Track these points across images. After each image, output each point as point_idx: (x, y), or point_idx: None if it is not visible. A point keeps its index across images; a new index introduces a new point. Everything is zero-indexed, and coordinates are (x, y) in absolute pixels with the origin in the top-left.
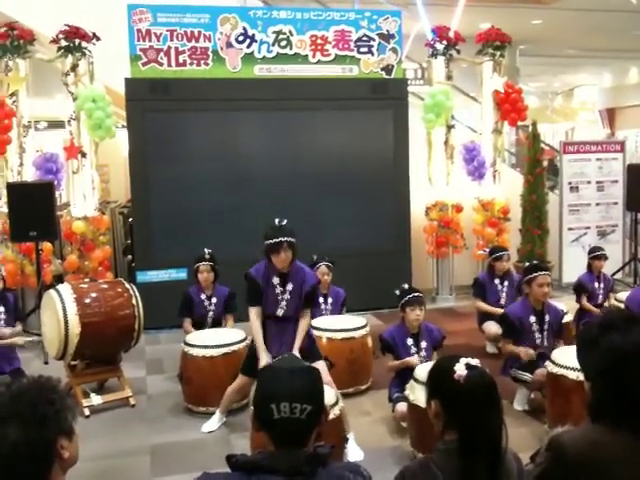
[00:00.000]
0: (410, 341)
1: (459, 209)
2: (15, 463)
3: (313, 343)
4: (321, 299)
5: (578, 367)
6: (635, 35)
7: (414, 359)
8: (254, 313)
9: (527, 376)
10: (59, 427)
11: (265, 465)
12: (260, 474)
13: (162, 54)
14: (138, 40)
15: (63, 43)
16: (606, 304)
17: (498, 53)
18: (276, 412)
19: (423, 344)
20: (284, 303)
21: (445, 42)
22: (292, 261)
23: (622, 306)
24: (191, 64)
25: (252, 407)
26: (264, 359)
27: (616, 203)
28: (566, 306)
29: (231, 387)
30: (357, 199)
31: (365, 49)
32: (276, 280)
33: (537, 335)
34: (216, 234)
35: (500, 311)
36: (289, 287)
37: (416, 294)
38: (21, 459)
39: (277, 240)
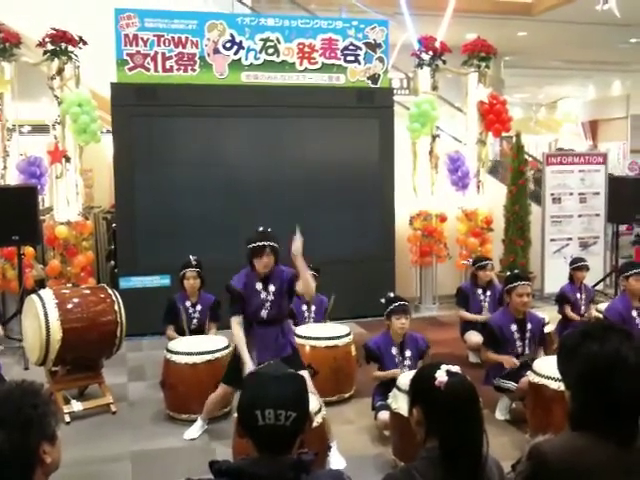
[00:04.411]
0: (395, 350)
1: (443, 219)
2: None
3: (295, 351)
4: (304, 307)
5: (559, 377)
6: (619, 48)
7: (400, 372)
8: (236, 322)
9: (511, 385)
10: (42, 432)
11: (249, 471)
12: None
13: (149, 59)
14: (125, 45)
15: (49, 47)
16: (586, 315)
17: (483, 64)
18: (261, 419)
19: (408, 353)
20: (268, 304)
21: (431, 52)
22: (274, 265)
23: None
24: (178, 70)
25: (235, 414)
26: (249, 365)
27: (598, 215)
28: (548, 316)
29: (212, 396)
30: (342, 207)
31: (352, 58)
32: (259, 285)
33: (518, 343)
34: (201, 241)
35: (483, 317)
36: (271, 288)
37: (402, 303)
38: (4, 463)
39: (260, 244)
